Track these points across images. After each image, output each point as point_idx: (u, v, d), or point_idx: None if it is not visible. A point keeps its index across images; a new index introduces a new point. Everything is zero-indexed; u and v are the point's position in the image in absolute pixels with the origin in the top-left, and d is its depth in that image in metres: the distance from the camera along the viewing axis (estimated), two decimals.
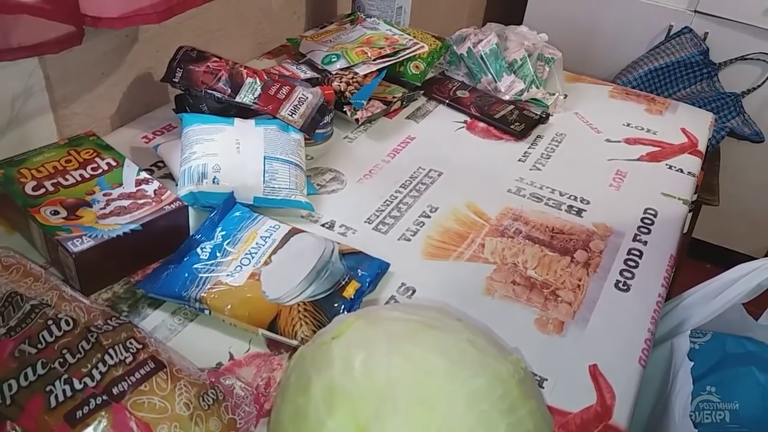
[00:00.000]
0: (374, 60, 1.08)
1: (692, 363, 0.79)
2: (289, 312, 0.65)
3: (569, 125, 1.12)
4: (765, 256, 2.04)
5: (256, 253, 0.71)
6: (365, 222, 0.85)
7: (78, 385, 0.50)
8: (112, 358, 0.53)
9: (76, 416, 0.49)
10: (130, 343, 0.55)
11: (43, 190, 0.72)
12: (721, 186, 1.63)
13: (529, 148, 1.05)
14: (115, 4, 0.80)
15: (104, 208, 0.71)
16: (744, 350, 0.98)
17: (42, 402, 0.49)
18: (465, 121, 1.10)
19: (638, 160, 1.04)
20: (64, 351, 0.52)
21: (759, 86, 1.79)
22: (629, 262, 0.82)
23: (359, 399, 0.48)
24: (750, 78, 1.79)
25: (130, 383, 0.51)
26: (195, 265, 0.69)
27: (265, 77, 0.91)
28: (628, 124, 1.14)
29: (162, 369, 0.54)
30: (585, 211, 0.91)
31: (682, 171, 1.03)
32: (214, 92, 0.88)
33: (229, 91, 0.88)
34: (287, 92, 0.90)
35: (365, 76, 1.06)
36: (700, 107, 1.29)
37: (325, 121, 0.97)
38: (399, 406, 0.47)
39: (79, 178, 0.74)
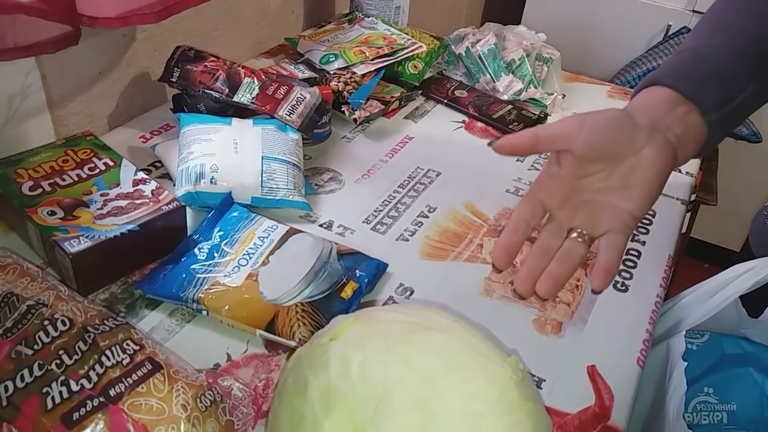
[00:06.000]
0: (372, 60, 1.08)
1: (686, 364, 0.79)
2: (287, 313, 0.65)
3: None
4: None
5: (253, 253, 0.71)
6: (363, 222, 0.84)
7: (75, 387, 0.50)
8: (109, 359, 0.53)
9: (72, 418, 0.49)
10: (128, 344, 0.55)
11: (40, 191, 0.71)
12: (719, 186, 1.63)
13: None
14: (113, 3, 0.80)
15: (101, 208, 0.71)
16: (741, 351, 0.98)
17: (38, 404, 0.49)
18: (463, 121, 1.10)
19: None
20: (61, 352, 0.52)
21: None
22: (627, 263, 0.82)
23: (356, 401, 0.48)
24: None
25: (127, 385, 0.51)
26: (192, 266, 0.69)
27: (263, 77, 0.90)
28: None
29: (159, 370, 0.53)
30: None
31: (680, 171, 1.03)
32: (211, 92, 0.88)
33: (227, 90, 0.88)
34: (285, 92, 0.89)
35: (363, 75, 1.06)
36: None
37: (323, 121, 0.96)
38: (396, 408, 0.47)
39: (76, 178, 0.74)
